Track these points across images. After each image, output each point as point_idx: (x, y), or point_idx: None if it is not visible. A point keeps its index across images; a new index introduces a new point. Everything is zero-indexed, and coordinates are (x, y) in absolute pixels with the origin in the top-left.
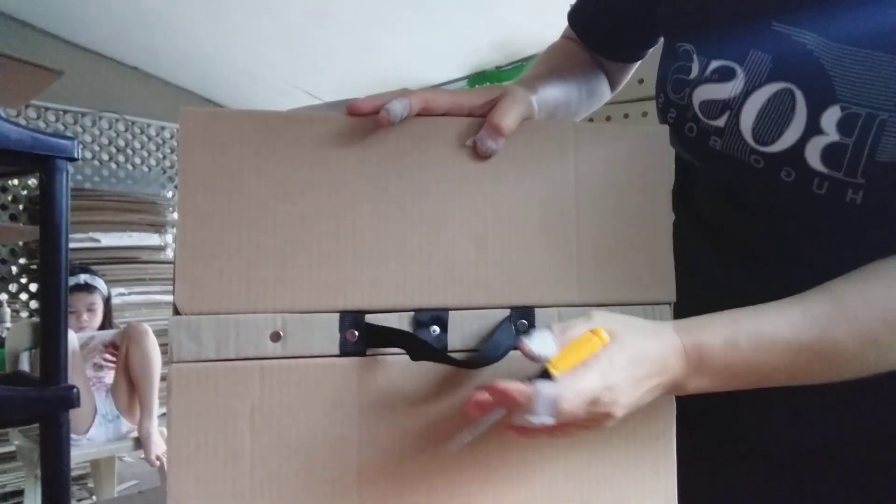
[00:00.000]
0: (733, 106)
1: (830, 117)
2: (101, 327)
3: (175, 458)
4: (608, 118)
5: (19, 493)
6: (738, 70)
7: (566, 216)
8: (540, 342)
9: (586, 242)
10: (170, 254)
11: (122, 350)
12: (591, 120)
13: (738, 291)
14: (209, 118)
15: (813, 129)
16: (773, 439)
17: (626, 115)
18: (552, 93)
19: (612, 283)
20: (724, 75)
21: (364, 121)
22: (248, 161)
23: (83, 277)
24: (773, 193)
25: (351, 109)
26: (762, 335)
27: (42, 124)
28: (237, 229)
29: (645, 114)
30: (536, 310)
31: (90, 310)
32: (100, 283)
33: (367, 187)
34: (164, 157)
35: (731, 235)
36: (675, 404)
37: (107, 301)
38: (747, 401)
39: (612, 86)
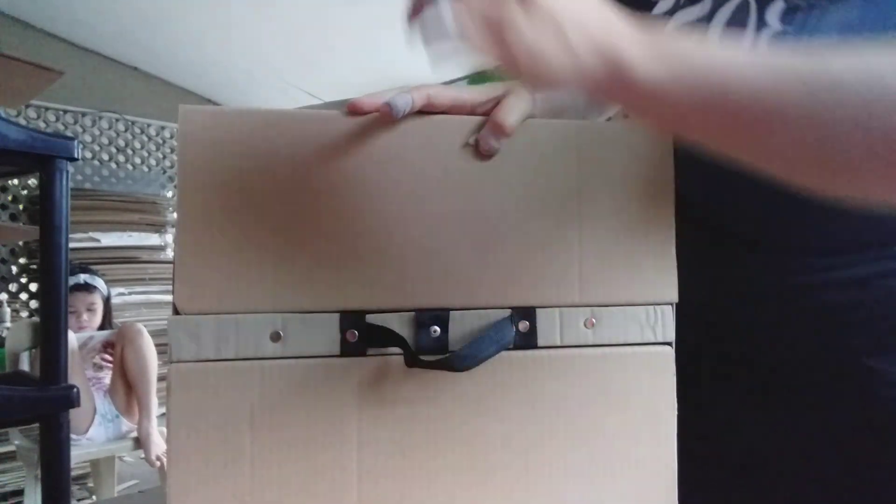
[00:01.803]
0: (702, 25)
1: (774, 11)
2: (101, 327)
3: (175, 458)
4: (608, 118)
5: (19, 492)
6: None
7: (568, 216)
8: None
9: (588, 242)
10: (170, 254)
11: (118, 350)
12: None
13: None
14: (208, 117)
15: (760, 25)
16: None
17: (626, 115)
18: (558, 93)
19: (613, 283)
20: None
21: (364, 119)
22: (248, 160)
23: (83, 277)
24: None
25: (351, 108)
26: (737, 50)
27: (42, 124)
28: (237, 229)
29: None
30: (538, 310)
31: (90, 309)
32: (99, 282)
33: (367, 186)
34: (164, 157)
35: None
36: (675, 405)
37: (106, 301)
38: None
39: None
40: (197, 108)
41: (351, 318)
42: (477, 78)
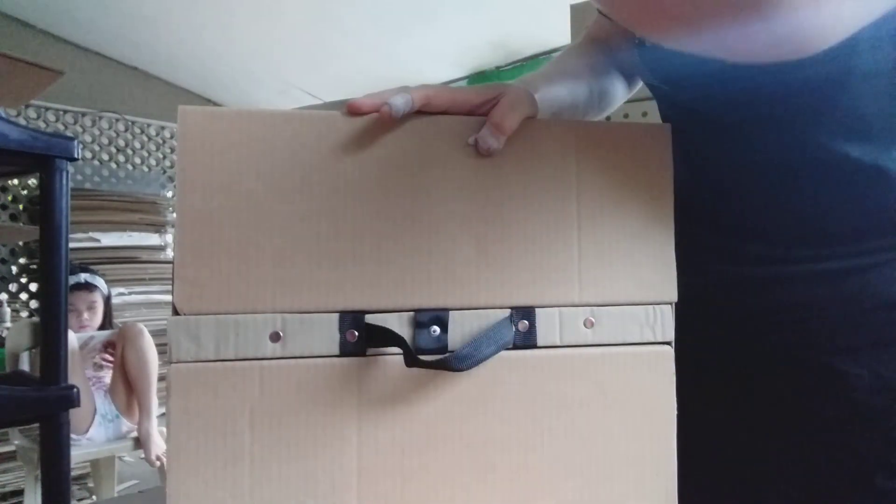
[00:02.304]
0: None
1: None
2: (102, 326)
3: (174, 459)
4: (608, 118)
5: (19, 492)
6: None
7: (567, 216)
8: None
9: (587, 242)
10: (170, 254)
11: (118, 351)
12: None
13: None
14: (208, 117)
15: None
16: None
17: (626, 115)
18: (557, 92)
19: (613, 283)
20: None
21: (364, 119)
22: (247, 160)
23: (83, 276)
24: (706, 73)
25: (350, 108)
26: None
27: (42, 124)
28: (236, 229)
29: (645, 114)
30: (537, 310)
31: (91, 308)
32: (100, 282)
33: (367, 186)
34: (164, 157)
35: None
36: (675, 404)
37: (107, 300)
38: None
39: (631, 83)
40: (196, 108)
41: (351, 319)
42: (476, 78)
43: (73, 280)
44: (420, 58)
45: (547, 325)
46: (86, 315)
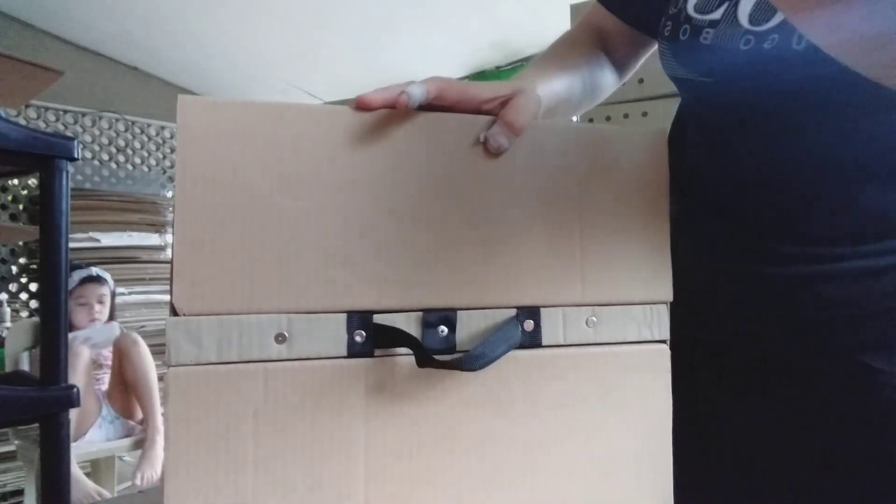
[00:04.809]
0: None
1: None
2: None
3: (173, 467)
4: (608, 118)
5: (19, 492)
6: None
7: (569, 215)
8: None
9: (588, 242)
10: (170, 253)
11: (115, 361)
12: (591, 120)
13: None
14: (209, 108)
15: None
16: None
17: (626, 115)
18: (554, 88)
19: (613, 283)
20: None
21: (372, 115)
22: (251, 154)
23: (94, 269)
24: (755, 67)
25: (360, 103)
26: None
27: (42, 124)
28: (239, 225)
29: (645, 114)
30: (542, 309)
31: (101, 302)
32: (107, 276)
33: (374, 183)
34: (164, 157)
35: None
36: (671, 401)
37: (113, 295)
38: None
39: (622, 74)
40: (197, 98)
41: (358, 319)
42: (476, 78)
43: (83, 273)
44: (420, 57)
45: (551, 325)
46: (97, 308)
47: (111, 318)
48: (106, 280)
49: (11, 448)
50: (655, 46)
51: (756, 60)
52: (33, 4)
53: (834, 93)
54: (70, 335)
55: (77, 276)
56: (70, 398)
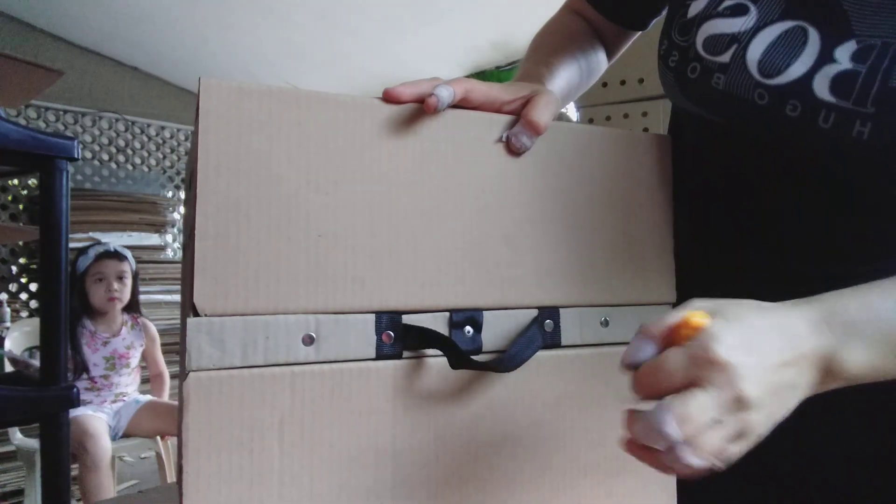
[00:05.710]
0: (742, 39)
1: (845, 50)
2: (128, 307)
3: (193, 480)
4: (608, 118)
5: (19, 492)
6: (752, 7)
7: (581, 217)
8: (636, 349)
9: (600, 243)
10: (170, 253)
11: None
12: (591, 120)
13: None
14: (234, 93)
15: (825, 59)
16: None
17: (626, 116)
18: (559, 83)
19: (623, 284)
20: (736, 11)
21: (400, 109)
22: (278, 143)
23: (112, 245)
24: (775, 131)
25: (388, 96)
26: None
27: (42, 124)
28: (265, 219)
29: (645, 114)
30: (561, 310)
31: (120, 278)
32: (128, 253)
33: (402, 179)
34: (164, 157)
35: (718, 210)
36: None
37: (135, 277)
38: None
39: (611, 56)
40: (221, 82)
41: (387, 319)
42: (476, 78)
43: (99, 248)
44: (421, 57)
45: (570, 325)
46: (116, 285)
47: (133, 307)
48: (126, 257)
49: (11, 448)
50: (638, 34)
51: (775, 120)
52: (33, 4)
53: (856, 178)
54: (91, 409)
55: (92, 251)
56: (70, 398)
